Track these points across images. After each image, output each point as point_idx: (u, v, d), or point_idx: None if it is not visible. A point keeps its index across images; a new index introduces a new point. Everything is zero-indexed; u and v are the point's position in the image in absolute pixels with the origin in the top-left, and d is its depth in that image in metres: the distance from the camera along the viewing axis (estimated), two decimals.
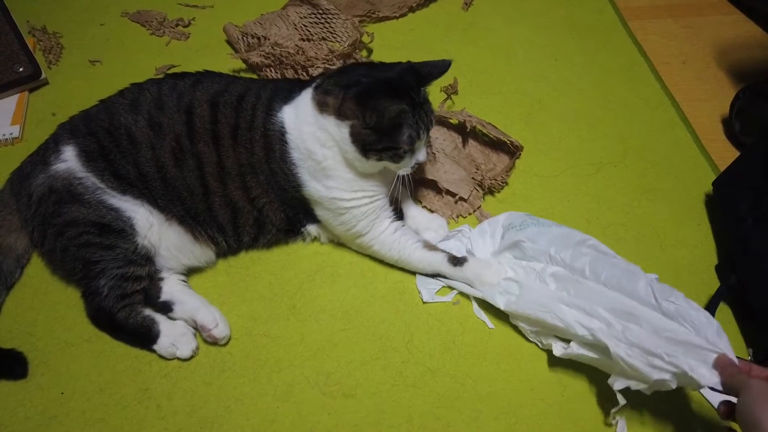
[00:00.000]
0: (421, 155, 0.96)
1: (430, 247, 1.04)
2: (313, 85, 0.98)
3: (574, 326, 0.87)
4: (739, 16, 1.57)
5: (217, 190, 0.99)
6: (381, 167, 0.96)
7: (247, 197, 1.00)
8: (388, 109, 0.88)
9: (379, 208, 1.02)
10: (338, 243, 1.08)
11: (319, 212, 1.02)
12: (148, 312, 0.96)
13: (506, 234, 1.04)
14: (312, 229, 1.06)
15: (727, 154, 1.24)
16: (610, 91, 1.39)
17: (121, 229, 0.95)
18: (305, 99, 0.96)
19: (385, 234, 1.02)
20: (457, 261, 1.01)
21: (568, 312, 0.88)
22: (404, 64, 0.97)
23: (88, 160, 0.96)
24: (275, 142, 0.98)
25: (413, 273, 1.05)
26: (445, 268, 1.02)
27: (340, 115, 0.91)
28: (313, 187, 0.98)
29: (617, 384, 0.84)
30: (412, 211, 1.12)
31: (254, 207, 1.01)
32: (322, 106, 0.94)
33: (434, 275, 1.04)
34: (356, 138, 0.91)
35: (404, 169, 0.97)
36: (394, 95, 0.90)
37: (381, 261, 1.06)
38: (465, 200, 1.15)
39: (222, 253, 1.06)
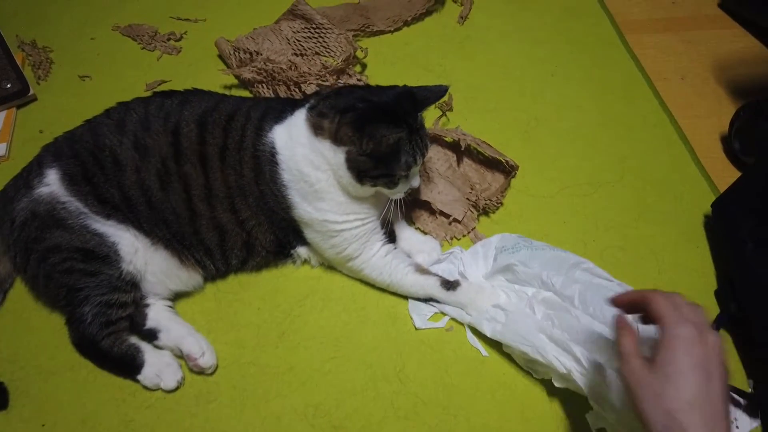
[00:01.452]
0: (415, 181, 0.95)
1: (423, 270, 1.01)
2: (307, 105, 0.95)
3: (554, 362, 0.84)
4: (738, 30, 1.54)
5: (205, 213, 0.97)
6: (374, 191, 0.94)
7: (235, 220, 0.98)
8: (385, 137, 0.86)
9: (371, 231, 0.99)
10: (329, 266, 1.06)
11: (309, 234, 1.00)
12: (133, 340, 0.93)
13: (499, 257, 1.02)
14: (302, 251, 1.04)
15: (726, 174, 1.22)
16: (608, 108, 1.37)
17: (105, 255, 0.92)
18: (299, 120, 0.94)
19: (376, 257, 1.00)
20: (450, 285, 0.99)
21: (549, 346, 0.86)
22: (400, 88, 0.95)
23: (71, 184, 0.94)
24: (265, 163, 0.95)
25: (405, 297, 1.03)
26: (438, 292, 0.99)
27: (336, 140, 0.89)
28: (304, 209, 0.96)
29: (593, 422, 0.83)
30: (405, 233, 1.09)
31: (243, 229, 0.99)
32: (317, 129, 0.91)
33: (427, 300, 1.02)
34: (352, 164, 0.89)
35: (397, 194, 0.95)
36: (391, 122, 0.88)
37: (373, 285, 1.03)
38: (459, 221, 1.13)
39: (210, 277, 1.04)
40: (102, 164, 0.95)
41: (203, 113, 0.98)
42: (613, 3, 1.62)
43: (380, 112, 0.90)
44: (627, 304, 0.71)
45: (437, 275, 1.01)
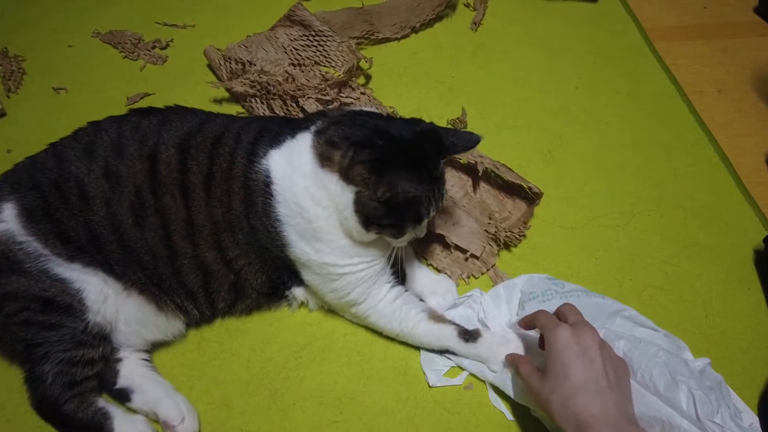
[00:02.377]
0: (420, 232, 0.84)
1: (437, 318, 0.88)
2: (313, 129, 0.82)
3: None
4: None
5: (186, 251, 0.84)
6: (377, 237, 0.82)
7: (222, 259, 0.85)
8: (407, 191, 0.75)
9: (377, 273, 0.86)
10: (329, 310, 0.93)
11: (307, 276, 0.87)
12: (101, 404, 0.80)
13: (527, 304, 0.89)
14: (298, 292, 0.91)
15: None
16: (638, 125, 1.24)
17: (68, 305, 0.79)
18: (302, 145, 0.81)
19: (383, 303, 0.87)
20: (469, 335, 0.86)
21: None
22: (425, 126, 0.82)
23: (30, 221, 0.80)
24: (258, 194, 0.82)
25: (417, 348, 0.89)
26: (455, 344, 0.86)
27: (347, 178, 0.77)
28: (301, 248, 0.82)
29: None
30: (416, 272, 0.96)
31: (231, 270, 0.86)
32: (324, 160, 0.78)
33: (442, 352, 0.89)
34: (360, 208, 0.77)
35: (401, 243, 0.84)
36: (413, 170, 0.76)
37: (380, 333, 0.90)
38: (477, 257, 1.00)
39: (193, 323, 0.91)
40: (66, 197, 0.81)
41: (185, 135, 0.85)
42: (639, 8, 1.49)
43: (401, 154, 0.77)
44: (524, 325, 0.82)
45: (454, 323, 0.88)
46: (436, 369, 0.87)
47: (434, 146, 0.80)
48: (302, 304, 0.93)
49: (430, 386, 0.86)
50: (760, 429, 0.81)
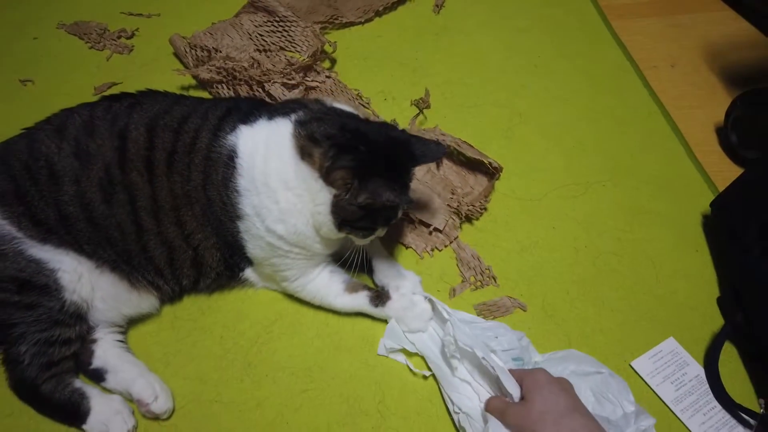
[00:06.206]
0: (383, 232, 0.89)
1: (353, 288, 0.93)
2: (294, 118, 0.84)
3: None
4: (730, 13, 1.46)
5: (151, 227, 0.86)
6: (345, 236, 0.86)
7: (182, 234, 0.87)
8: (390, 200, 0.77)
9: (316, 264, 0.92)
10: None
11: (251, 249, 0.89)
12: (78, 384, 0.82)
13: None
14: (250, 274, 0.94)
15: (723, 168, 1.14)
16: (595, 100, 1.28)
17: (43, 285, 0.81)
18: (282, 131, 0.83)
19: (313, 283, 0.92)
20: (378, 300, 0.91)
21: None
22: (398, 134, 0.86)
23: (2, 204, 0.82)
24: (219, 165, 0.84)
25: (385, 321, 0.93)
26: (369, 309, 0.92)
27: (328, 179, 0.79)
28: (253, 222, 0.85)
29: None
30: (381, 264, 0.97)
31: (189, 245, 0.88)
32: (304, 154, 0.81)
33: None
34: (338, 210, 0.80)
35: (364, 242, 0.88)
36: (394, 180, 0.80)
37: None
38: (440, 231, 1.04)
39: (167, 298, 0.93)
40: (36, 178, 0.83)
41: (155, 116, 0.87)
42: None
43: (382, 161, 0.80)
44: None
45: (367, 289, 0.92)
46: (391, 345, 0.90)
47: (407, 154, 0.84)
48: (252, 286, 0.96)
49: (378, 353, 0.90)
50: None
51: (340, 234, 0.84)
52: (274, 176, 0.82)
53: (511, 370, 0.79)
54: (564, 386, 0.75)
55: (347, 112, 0.89)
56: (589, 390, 0.82)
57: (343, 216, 0.80)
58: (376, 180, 0.78)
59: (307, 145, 0.81)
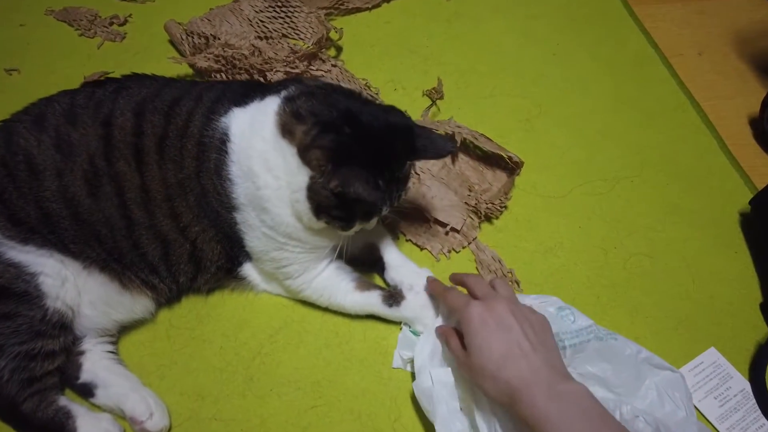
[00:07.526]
0: (370, 226, 0.80)
1: (363, 286, 0.85)
2: (284, 94, 0.77)
3: None
4: None
5: (143, 220, 0.78)
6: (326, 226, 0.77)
7: (177, 227, 0.80)
8: (359, 193, 0.69)
9: (317, 258, 0.83)
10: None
11: (250, 242, 0.81)
12: (63, 402, 0.75)
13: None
14: (249, 270, 0.86)
15: (759, 163, 1.07)
16: (619, 90, 1.20)
17: (23, 292, 0.74)
18: (268, 108, 0.75)
19: (318, 279, 0.84)
20: (393, 300, 0.84)
21: None
22: (399, 120, 0.77)
23: None
24: (212, 150, 0.77)
25: (398, 325, 0.86)
26: (381, 309, 0.84)
27: (304, 157, 0.71)
28: (249, 213, 0.78)
29: None
30: (394, 259, 0.89)
31: (186, 238, 0.81)
32: (285, 131, 0.73)
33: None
34: (313, 195, 0.72)
35: (348, 233, 0.79)
36: (373, 171, 0.71)
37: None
38: (458, 231, 0.96)
39: (163, 299, 0.85)
40: (14, 174, 0.76)
41: (143, 100, 0.80)
42: None
43: (366, 148, 0.72)
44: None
45: (380, 289, 0.85)
46: (408, 355, 0.82)
47: (405, 145, 0.75)
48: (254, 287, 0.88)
49: (393, 366, 0.83)
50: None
51: (319, 222, 0.76)
52: (256, 157, 0.75)
53: (450, 295, 0.76)
54: (500, 321, 0.67)
55: (346, 90, 0.81)
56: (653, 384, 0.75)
57: (318, 201, 0.73)
58: (352, 168, 0.70)
59: (289, 122, 0.73)
